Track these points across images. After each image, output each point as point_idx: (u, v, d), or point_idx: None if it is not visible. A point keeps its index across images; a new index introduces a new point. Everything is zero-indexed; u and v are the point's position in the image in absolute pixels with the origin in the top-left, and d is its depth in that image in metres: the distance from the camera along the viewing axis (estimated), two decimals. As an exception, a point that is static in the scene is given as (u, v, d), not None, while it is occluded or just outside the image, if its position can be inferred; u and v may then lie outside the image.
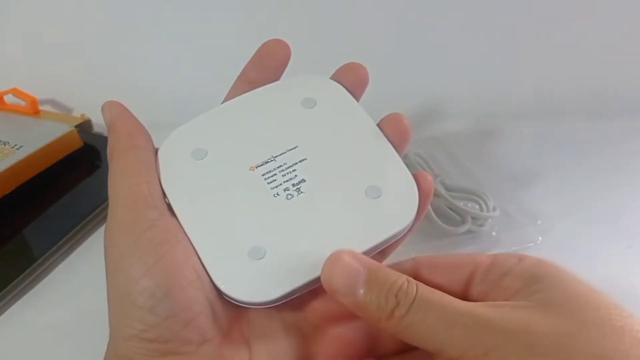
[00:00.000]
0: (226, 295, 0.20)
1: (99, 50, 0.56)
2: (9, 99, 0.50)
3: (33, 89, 0.50)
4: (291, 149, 0.23)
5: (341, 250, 0.19)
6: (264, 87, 0.26)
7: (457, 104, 0.54)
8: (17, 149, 0.41)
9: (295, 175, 0.23)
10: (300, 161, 0.23)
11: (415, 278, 0.19)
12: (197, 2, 0.53)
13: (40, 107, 0.50)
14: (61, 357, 0.30)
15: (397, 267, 0.21)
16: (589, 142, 0.50)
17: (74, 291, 0.35)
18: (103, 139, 0.50)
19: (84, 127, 0.50)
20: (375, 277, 0.18)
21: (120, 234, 0.20)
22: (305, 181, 0.23)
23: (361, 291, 0.18)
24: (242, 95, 0.26)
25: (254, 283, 0.21)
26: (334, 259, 0.19)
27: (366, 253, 0.21)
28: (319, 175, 0.23)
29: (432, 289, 0.18)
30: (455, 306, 0.17)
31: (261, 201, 0.22)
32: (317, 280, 0.20)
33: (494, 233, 0.39)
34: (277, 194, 0.22)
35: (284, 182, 0.23)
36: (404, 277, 0.18)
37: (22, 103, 0.49)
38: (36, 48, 0.56)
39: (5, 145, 0.41)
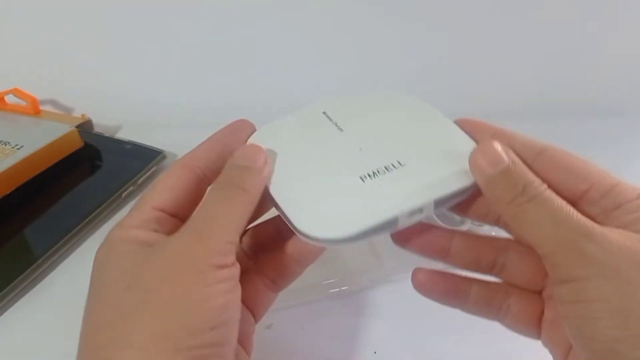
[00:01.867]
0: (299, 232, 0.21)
1: (99, 50, 0.56)
2: (9, 99, 0.50)
3: (34, 89, 0.50)
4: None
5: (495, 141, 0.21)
6: (344, 98, 0.27)
7: (457, 104, 0.54)
8: (18, 149, 0.41)
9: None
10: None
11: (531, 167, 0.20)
12: (197, 2, 0.53)
13: (41, 107, 0.50)
14: (61, 357, 0.30)
15: (527, 144, 0.21)
16: (588, 142, 0.50)
17: (75, 291, 0.35)
18: (103, 139, 0.50)
19: (85, 127, 0.50)
20: (514, 167, 0.20)
21: None
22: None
23: (499, 171, 0.20)
24: (340, 99, 0.27)
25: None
26: (487, 142, 0.21)
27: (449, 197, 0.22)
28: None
29: (558, 197, 0.19)
30: (569, 211, 0.18)
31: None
32: (395, 221, 0.21)
33: (493, 232, 0.39)
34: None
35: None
36: (538, 179, 0.20)
37: (23, 103, 0.50)
38: (37, 48, 0.56)
39: (6, 145, 0.41)
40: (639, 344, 0.16)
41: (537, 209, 0.19)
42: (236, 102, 0.55)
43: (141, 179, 0.44)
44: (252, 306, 0.24)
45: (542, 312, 0.23)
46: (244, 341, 0.23)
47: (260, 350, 0.25)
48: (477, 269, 0.24)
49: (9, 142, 0.42)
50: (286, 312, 0.33)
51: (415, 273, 0.24)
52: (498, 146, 0.20)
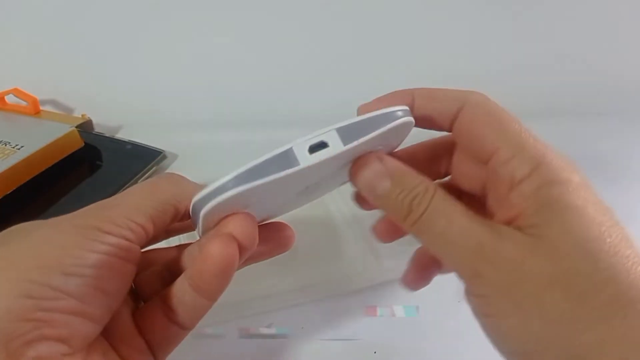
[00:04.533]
0: None
1: (99, 50, 0.56)
2: (10, 99, 0.50)
3: (34, 89, 0.50)
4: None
5: (371, 153, 0.20)
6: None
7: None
8: (18, 149, 0.41)
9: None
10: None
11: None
12: (197, 2, 0.53)
13: (41, 108, 0.50)
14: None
15: (448, 99, 0.21)
16: (588, 142, 0.50)
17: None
18: (104, 139, 0.50)
19: (85, 127, 0.50)
20: (395, 182, 0.19)
21: None
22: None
23: (381, 191, 0.19)
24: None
25: None
26: (361, 159, 0.20)
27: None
28: None
29: (448, 198, 0.19)
30: (460, 224, 0.18)
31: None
32: (291, 155, 0.18)
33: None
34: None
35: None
36: (422, 186, 0.19)
37: (23, 103, 0.50)
38: (37, 48, 0.56)
39: (6, 145, 0.41)
40: (537, 358, 0.16)
41: (429, 229, 0.18)
42: (236, 102, 0.55)
43: (141, 179, 0.44)
44: (148, 335, 0.21)
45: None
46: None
47: (260, 350, 0.25)
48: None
49: (9, 142, 0.42)
50: (286, 312, 0.33)
51: (404, 279, 0.24)
52: (376, 166, 0.19)
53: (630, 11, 0.55)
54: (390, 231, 0.24)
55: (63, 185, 0.43)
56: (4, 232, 0.20)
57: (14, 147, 0.41)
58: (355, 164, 0.20)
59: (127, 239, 0.19)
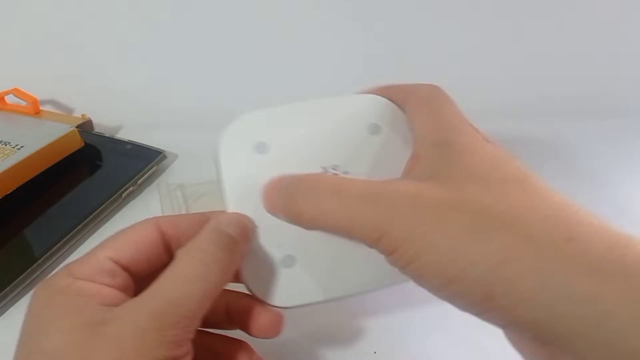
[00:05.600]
0: (255, 296, 0.22)
1: (99, 51, 0.56)
2: (10, 99, 0.50)
3: (34, 89, 0.50)
4: (345, 172, 0.24)
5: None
6: (334, 98, 0.26)
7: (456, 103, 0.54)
8: (18, 149, 0.41)
9: None
10: None
11: None
12: (198, 2, 0.53)
13: (41, 108, 0.50)
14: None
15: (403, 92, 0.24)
16: (588, 142, 0.50)
17: (75, 291, 0.35)
18: (104, 139, 0.50)
19: (85, 127, 0.50)
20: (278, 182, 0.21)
21: None
22: None
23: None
24: (311, 101, 0.25)
25: (280, 289, 0.22)
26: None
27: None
28: None
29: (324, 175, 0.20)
30: (351, 189, 0.18)
31: None
32: (341, 298, 0.22)
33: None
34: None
35: None
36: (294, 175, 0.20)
37: (23, 103, 0.50)
38: (37, 48, 0.56)
39: (6, 145, 0.41)
40: (464, 282, 0.16)
41: (320, 205, 0.18)
42: (236, 103, 0.55)
43: (141, 179, 0.44)
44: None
45: None
46: None
47: (260, 350, 0.25)
48: None
49: (9, 142, 0.42)
50: (286, 312, 0.33)
51: None
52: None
53: (631, 11, 0.55)
54: None
55: (63, 185, 0.43)
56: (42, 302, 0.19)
57: (14, 147, 0.41)
58: None
59: (186, 354, 0.18)
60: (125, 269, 0.20)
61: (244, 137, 0.24)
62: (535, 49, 0.56)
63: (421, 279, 0.17)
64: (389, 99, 0.25)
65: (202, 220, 0.21)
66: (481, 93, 0.55)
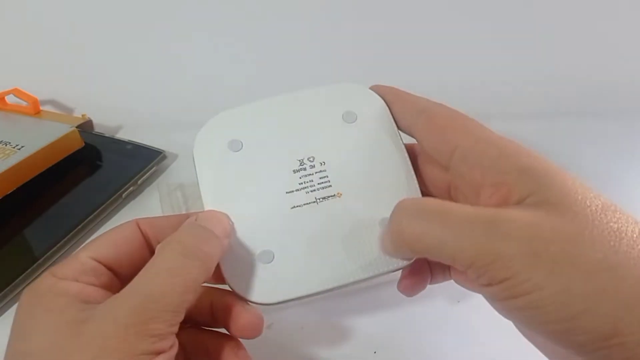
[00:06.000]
0: (236, 293, 0.22)
1: (100, 50, 0.56)
2: (10, 99, 0.50)
3: (34, 90, 0.50)
4: (321, 163, 0.24)
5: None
6: (308, 90, 0.26)
7: (456, 104, 0.54)
8: (19, 149, 0.41)
9: (318, 189, 0.23)
10: (325, 176, 0.24)
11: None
12: (198, 2, 0.53)
13: (42, 108, 0.50)
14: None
15: (407, 106, 0.23)
16: (588, 142, 0.50)
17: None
18: (104, 139, 0.50)
19: (85, 127, 0.50)
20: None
21: None
22: (326, 199, 0.23)
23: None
24: (285, 95, 0.26)
25: (260, 285, 0.22)
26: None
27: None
28: (339, 190, 0.23)
29: (433, 199, 0.19)
30: (459, 212, 0.17)
31: (282, 205, 0.23)
32: (321, 292, 0.21)
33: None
34: (299, 204, 0.23)
35: (309, 190, 0.23)
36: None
37: (24, 103, 0.50)
38: (37, 48, 0.56)
39: (6, 145, 0.41)
40: (588, 316, 0.15)
41: (427, 227, 0.18)
42: (237, 103, 0.55)
43: (141, 179, 0.44)
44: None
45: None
46: None
47: (260, 350, 0.25)
48: None
49: (9, 142, 0.42)
50: (286, 312, 0.33)
51: (400, 285, 0.24)
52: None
53: (631, 10, 0.55)
54: (415, 285, 0.24)
55: (63, 185, 0.43)
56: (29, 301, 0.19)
57: (14, 147, 0.41)
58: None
59: (171, 347, 0.18)
60: (109, 268, 0.21)
61: (217, 135, 0.24)
62: (536, 49, 0.56)
63: (533, 313, 0.16)
64: (388, 105, 0.24)
65: (181, 220, 0.22)
66: (481, 93, 0.55)
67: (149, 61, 0.57)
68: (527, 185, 0.17)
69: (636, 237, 0.16)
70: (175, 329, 0.18)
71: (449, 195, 0.22)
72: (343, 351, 0.31)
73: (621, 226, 0.16)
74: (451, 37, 0.55)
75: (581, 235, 0.16)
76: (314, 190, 0.23)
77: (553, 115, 0.53)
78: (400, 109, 0.23)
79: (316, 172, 0.24)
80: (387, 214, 0.20)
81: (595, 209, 0.17)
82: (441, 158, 0.20)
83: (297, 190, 0.23)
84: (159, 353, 0.17)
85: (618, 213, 0.17)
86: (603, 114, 0.53)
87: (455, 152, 0.19)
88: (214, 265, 0.20)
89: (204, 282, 0.20)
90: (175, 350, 0.18)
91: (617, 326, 0.15)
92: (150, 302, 0.17)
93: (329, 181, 0.23)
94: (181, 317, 0.18)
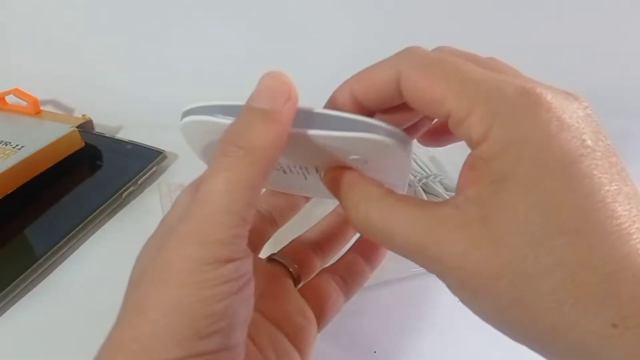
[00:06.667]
0: None
1: (100, 51, 0.56)
2: (10, 99, 0.50)
3: (34, 90, 0.50)
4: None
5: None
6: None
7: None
8: (19, 149, 0.41)
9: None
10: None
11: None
12: (198, 2, 0.53)
13: (42, 108, 0.50)
14: (62, 357, 0.30)
15: (380, 80, 0.19)
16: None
17: (76, 290, 0.35)
18: (104, 139, 0.50)
19: (86, 127, 0.51)
20: (347, 189, 0.20)
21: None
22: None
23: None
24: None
25: None
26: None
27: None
28: None
29: (388, 201, 0.18)
30: (398, 230, 0.17)
31: None
32: None
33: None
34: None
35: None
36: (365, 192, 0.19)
37: (24, 103, 0.50)
38: (37, 48, 0.56)
39: (6, 145, 0.41)
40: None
41: (372, 233, 0.18)
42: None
43: (141, 179, 0.44)
44: (317, 308, 0.24)
45: None
46: (300, 346, 0.23)
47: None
48: None
49: (9, 143, 0.42)
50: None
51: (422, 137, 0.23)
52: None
53: (632, 10, 0.55)
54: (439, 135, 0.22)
55: (63, 185, 0.43)
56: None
57: (14, 147, 0.41)
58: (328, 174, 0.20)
59: (242, 256, 0.17)
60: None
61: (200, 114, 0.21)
62: (536, 49, 0.56)
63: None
64: (360, 97, 0.20)
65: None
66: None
67: (149, 61, 0.57)
68: (486, 193, 0.16)
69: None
70: (239, 231, 0.16)
71: None
72: (343, 351, 0.31)
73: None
74: (451, 37, 0.55)
75: (500, 270, 0.15)
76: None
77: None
78: (368, 84, 0.19)
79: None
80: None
81: (534, 238, 0.15)
82: (441, 120, 0.19)
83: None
84: (227, 261, 0.16)
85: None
86: (604, 114, 0.53)
87: (450, 117, 0.17)
88: (271, 147, 0.17)
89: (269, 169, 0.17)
90: (247, 259, 0.17)
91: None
92: (200, 211, 0.16)
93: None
94: (243, 220, 0.16)
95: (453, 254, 0.16)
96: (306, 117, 0.18)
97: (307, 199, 0.27)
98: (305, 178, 0.23)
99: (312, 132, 0.18)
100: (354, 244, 0.26)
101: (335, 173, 0.20)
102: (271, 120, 0.17)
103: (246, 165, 0.16)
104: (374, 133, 0.18)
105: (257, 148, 0.17)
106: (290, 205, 0.27)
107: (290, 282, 0.25)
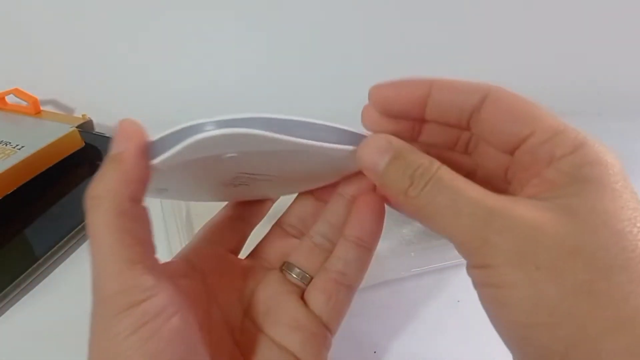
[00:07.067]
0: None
1: (100, 50, 0.56)
2: (10, 99, 0.50)
3: (34, 90, 0.50)
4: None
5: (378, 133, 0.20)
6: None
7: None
8: (19, 149, 0.41)
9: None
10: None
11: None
12: (198, 2, 0.53)
13: (42, 108, 0.50)
14: (63, 357, 0.30)
15: (466, 91, 0.20)
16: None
17: (76, 290, 0.35)
18: (104, 139, 0.50)
19: (85, 127, 0.51)
20: (398, 156, 0.19)
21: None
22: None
23: (382, 166, 0.19)
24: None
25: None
26: (368, 138, 0.20)
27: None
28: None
29: (453, 173, 0.18)
30: (467, 194, 0.17)
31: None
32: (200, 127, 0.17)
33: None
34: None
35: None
36: (426, 160, 0.18)
37: (24, 103, 0.50)
38: (37, 48, 0.56)
39: (6, 145, 0.41)
40: (546, 331, 0.15)
41: (433, 200, 0.17)
42: (237, 103, 0.55)
43: (142, 179, 0.44)
44: (325, 313, 0.25)
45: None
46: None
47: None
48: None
49: (9, 143, 0.42)
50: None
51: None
52: (379, 140, 0.19)
53: (632, 10, 0.55)
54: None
55: (63, 185, 0.43)
56: None
57: (14, 147, 0.41)
58: (361, 144, 0.20)
59: (151, 296, 0.17)
60: None
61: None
62: (536, 49, 0.56)
63: (499, 307, 0.16)
64: (435, 99, 0.21)
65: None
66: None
67: (149, 61, 0.57)
68: (569, 189, 0.17)
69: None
70: (133, 274, 0.17)
71: (505, 176, 0.20)
72: (343, 351, 0.31)
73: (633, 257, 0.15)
74: (451, 38, 0.55)
75: (579, 249, 0.15)
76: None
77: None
78: (450, 95, 0.21)
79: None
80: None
81: (619, 231, 0.15)
82: (507, 144, 0.19)
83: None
84: (129, 307, 0.17)
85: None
86: (603, 114, 0.53)
87: (533, 137, 0.18)
88: (114, 190, 0.18)
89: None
90: (161, 296, 0.18)
91: (567, 352, 0.15)
92: (93, 265, 0.18)
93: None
94: (130, 262, 0.17)
95: (523, 224, 0.16)
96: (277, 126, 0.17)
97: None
98: (271, 181, 0.23)
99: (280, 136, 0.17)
100: (346, 231, 0.24)
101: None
102: (116, 161, 0.18)
103: (103, 212, 0.18)
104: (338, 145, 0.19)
105: (103, 193, 0.18)
106: (260, 203, 0.27)
107: (296, 295, 0.25)
